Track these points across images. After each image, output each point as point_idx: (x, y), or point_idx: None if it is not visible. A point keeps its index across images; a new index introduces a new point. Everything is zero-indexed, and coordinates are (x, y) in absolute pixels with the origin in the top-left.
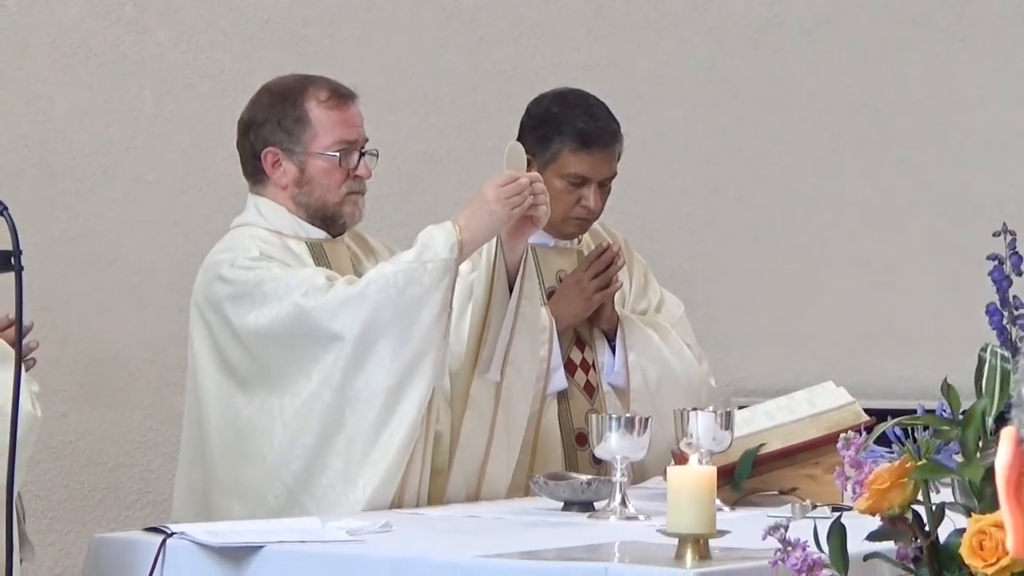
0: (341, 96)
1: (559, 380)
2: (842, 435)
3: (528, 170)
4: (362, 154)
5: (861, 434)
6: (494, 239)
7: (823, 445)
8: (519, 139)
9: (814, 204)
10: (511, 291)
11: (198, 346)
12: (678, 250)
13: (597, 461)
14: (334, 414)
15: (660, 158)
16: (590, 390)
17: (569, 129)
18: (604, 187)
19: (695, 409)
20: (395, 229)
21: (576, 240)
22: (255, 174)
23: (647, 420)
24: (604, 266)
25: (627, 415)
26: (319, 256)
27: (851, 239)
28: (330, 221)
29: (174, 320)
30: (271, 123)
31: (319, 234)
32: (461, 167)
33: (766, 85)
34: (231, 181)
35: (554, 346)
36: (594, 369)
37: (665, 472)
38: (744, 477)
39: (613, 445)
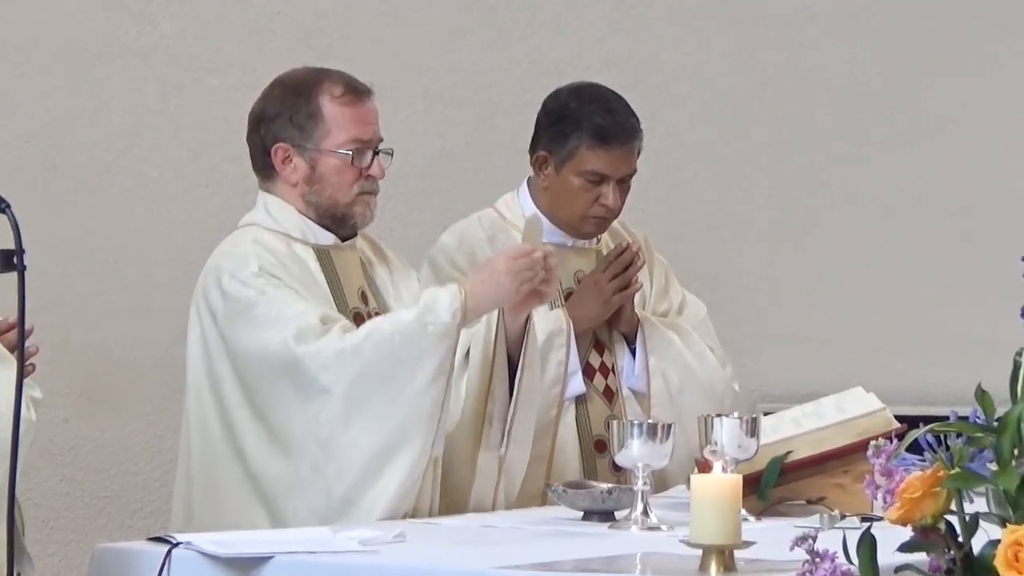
0: (356, 92)
1: (577, 385)
2: (872, 442)
3: (544, 169)
4: (376, 153)
5: (892, 441)
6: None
7: (852, 453)
8: (535, 136)
9: (842, 202)
10: (509, 358)
11: (192, 348)
12: (701, 250)
13: (617, 469)
14: (315, 467)
15: (683, 155)
16: (609, 395)
17: (586, 125)
18: (623, 185)
19: (719, 415)
20: (409, 228)
21: (595, 240)
22: (265, 170)
23: (670, 427)
24: (623, 267)
25: (649, 421)
26: (327, 264)
27: (880, 237)
28: (340, 221)
29: (179, 322)
30: (282, 118)
31: (328, 238)
32: (477, 164)
33: (792, 79)
34: (239, 180)
35: (572, 350)
36: (613, 373)
37: (688, 480)
38: (770, 486)
39: (635, 452)
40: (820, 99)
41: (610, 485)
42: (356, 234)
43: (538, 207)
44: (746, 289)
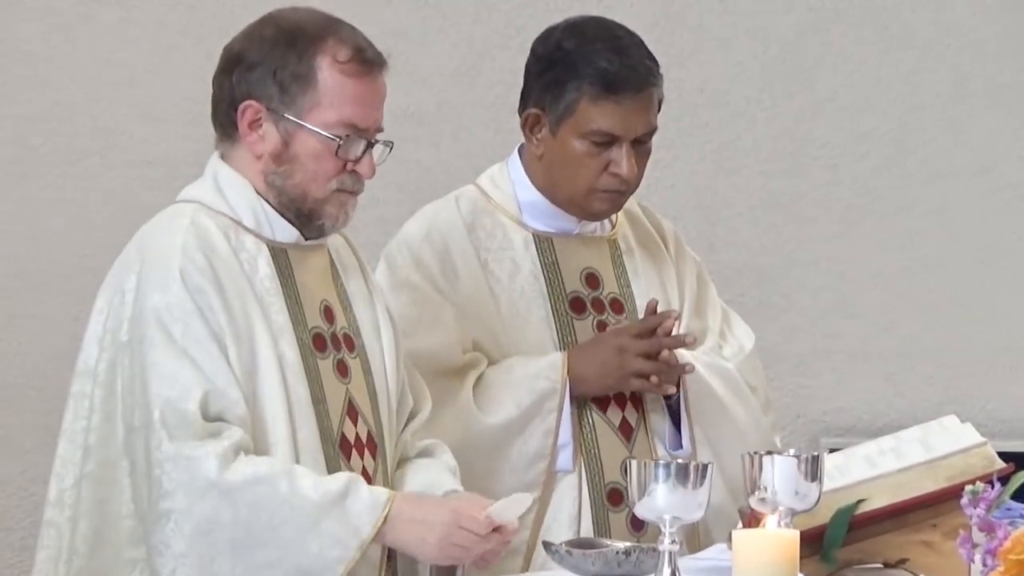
0: (365, 62)
1: (565, 460)
2: (967, 487)
3: (537, 132)
4: (370, 145)
5: (993, 486)
6: None
7: (943, 501)
8: (524, 90)
9: (930, 182)
10: None
11: (91, 335)
12: (749, 239)
13: (637, 526)
14: None
15: (722, 114)
16: (627, 431)
17: (588, 70)
18: (640, 147)
19: (770, 453)
20: (364, 212)
21: (608, 224)
22: (226, 127)
23: (706, 467)
24: (652, 329)
25: (679, 461)
26: (282, 267)
27: (980, 226)
28: (305, 218)
29: (61, 333)
30: (264, 68)
31: (288, 235)
32: (455, 126)
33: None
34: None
35: (564, 415)
36: (632, 404)
37: (730, 537)
38: (837, 545)
39: (660, 501)
40: (909, 29)
41: (628, 544)
42: (324, 234)
43: (532, 183)
44: (805, 289)
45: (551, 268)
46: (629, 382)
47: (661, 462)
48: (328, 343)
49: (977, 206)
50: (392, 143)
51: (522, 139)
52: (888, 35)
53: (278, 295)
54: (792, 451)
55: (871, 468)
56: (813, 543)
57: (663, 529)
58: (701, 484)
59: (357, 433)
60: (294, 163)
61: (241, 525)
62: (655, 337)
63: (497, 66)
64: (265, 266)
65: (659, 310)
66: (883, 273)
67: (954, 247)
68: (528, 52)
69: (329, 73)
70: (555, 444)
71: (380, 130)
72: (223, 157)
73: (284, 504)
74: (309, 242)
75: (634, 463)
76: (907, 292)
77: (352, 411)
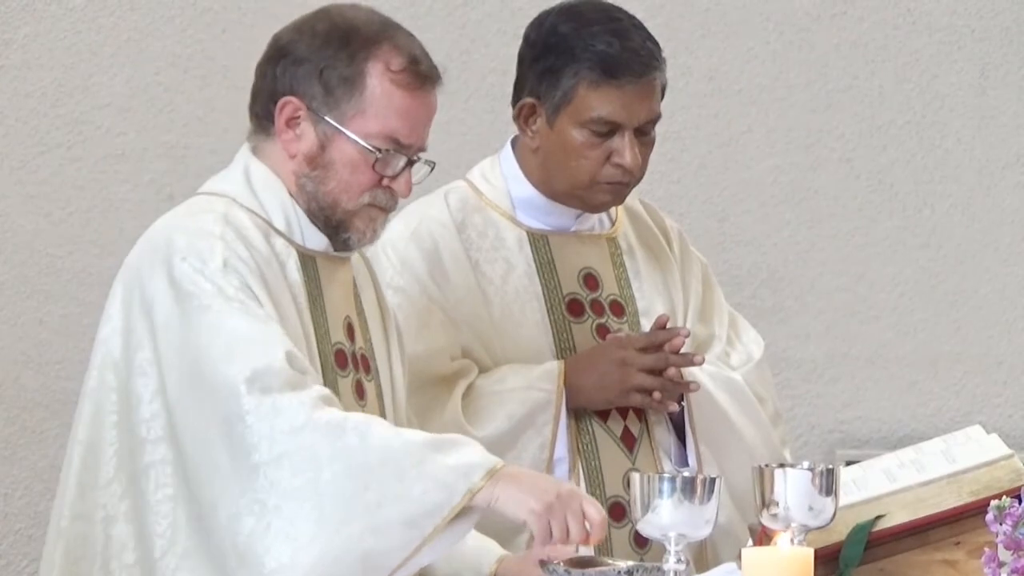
0: (419, 75)
1: (560, 475)
2: (993, 503)
3: (532, 123)
4: (410, 163)
5: (1020, 501)
6: None
7: (967, 517)
8: (518, 78)
9: (952, 177)
10: None
11: (101, 347)
12: (760, 237)
13: (641, 542)
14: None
15: (731, 104)
16: (629, 441)
17: (586, 55)
18: (644, 137)
19: (782, 465)
20: None
21: (609, 220)
22: (262, 120)
23: (714, 481)
24: (658, 343)
25: (685, 474)
26: (311, 276)
27: (1006, 223)
28: (332, 230)
29: (22, 334)
30: (310, 65)
31: (319, 242)
32: (446, 116)
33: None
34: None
35: (560, 428)
36: (635, 414)
37: (739, 556)
38: (854, 564)
39: (665, 518)
40: (931, 14)
41: (631, 563)
42: (349, 249)
43: (527, 177)
44: (820, 290)
45: (547, 268)
46: (630, 397)
47: (666, 475)
48: (349, 361)
49: (1002, 202)
50: (434, 164)
51: (515, 130)
52: (909, 20)
53: (304, 305)
54: (806, 464)
55: (890, 482)
56: (828, 562)
57: (668, 547)
58: (708, 499)
59: None
60: (328, 169)
61: (340, 459)
62: (661, 352)
63: (491, 53)
64: (294, 272)
65: (664, 315)
66: (903, 273)
67: (978, 245)
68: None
69: (379, 80)
70: (550, 459)
71: (423, 149)
72: (255, 151)
73: (388, 442)
74: (337, 253)
75: (637, 476)
76: (929, 294)
77: None
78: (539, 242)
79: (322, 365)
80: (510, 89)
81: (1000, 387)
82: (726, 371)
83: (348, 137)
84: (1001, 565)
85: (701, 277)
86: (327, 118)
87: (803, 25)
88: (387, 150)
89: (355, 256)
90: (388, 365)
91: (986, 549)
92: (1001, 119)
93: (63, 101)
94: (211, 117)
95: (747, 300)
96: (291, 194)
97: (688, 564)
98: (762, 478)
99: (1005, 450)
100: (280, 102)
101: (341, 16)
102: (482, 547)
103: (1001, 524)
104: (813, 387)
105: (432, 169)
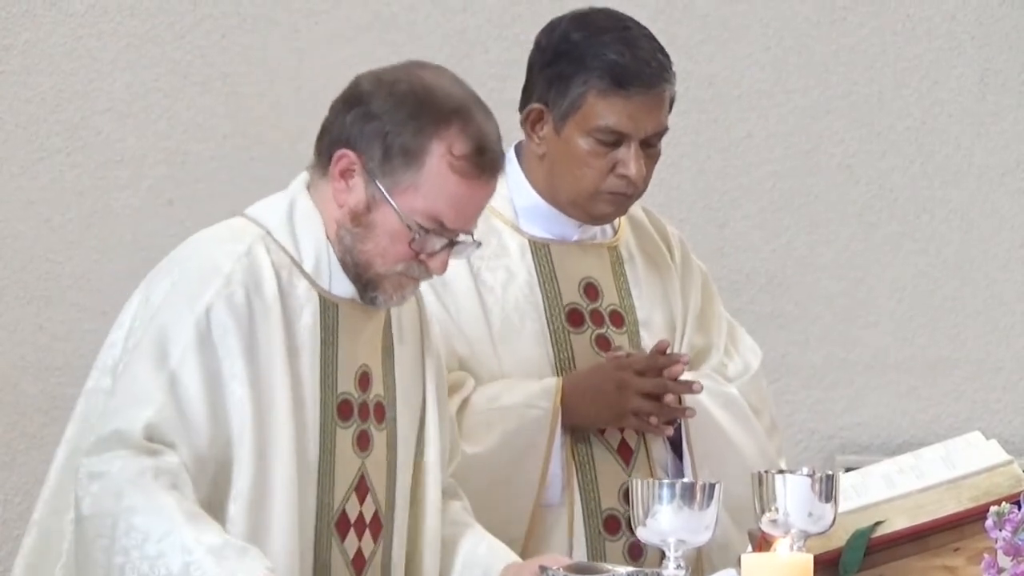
0: (479, 166)
1: (553, 494)
2: (993, 508)
3: (539, 129)
4: (452, 244)
5: (1020, 507)
6: None
7: (966, 523)
8: (526, 84)
9: (952, 183)
10: None
11: (113, 332)
12: (759, 243)
13: (636, 554)
14: None
15: (732, 110)
16: (626, 454)
17: (596, 64)
18: (650, 148)
19: (782, 472)
20: None
21: (611, 230)
22: (322, 157)
23: (714, 487)
24: (658, 368)
25: (685, 480)
26: (328, 325)
27: (1005, 229)
28: (362, 287)
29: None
30: (378, 124)
31: (346, 290)
32: None
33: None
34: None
35: (554, 448)
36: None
37: (739, 562)
38: (853, 570)
39: (665, 523)
40: (931, 20)
41: (631, 569)
42: (375, 306)
43: (531, 185)
44: (820, 295)
45: (548, 277)
46: (626, 419)
47: (666, 481)
48: (355, 412)
49: (1002, 208)
50: (480, 244)
51: (518, 138)
52: (908, 26)
53: (314, 352)
54: (805, 470)
55: (890, 488)
56: (828, 568)
57: (668, 553)
58: (708, 505)
59: (361, 512)
60: (370, 230)
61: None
62: (660, 379)
63: (491, 58)
64: (309, 317)
65: (665, 340)
66: (902, 279)
67: (978, 251)
68: (523, 42)
69: (438, 162)
70: (543, 476)
71: (470, 232)
72: (309, 185)
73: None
74: (365, 303)
75: (637, 482)
76: (928, 300)
77: (362, 487)
78: (541, 251)
79: (322, 414)
80: (509, 94)
81: (999, 393)
82: (723, 385)
83: (394, 208)
84: (1001, 571)
85: (700, 286)
86: (379, 183)
87: (803, 31)
88: (428, 230)
89: (410, 304)
90: (409, 412)
91: (986, 555)
92: (1000, 125)
93: (63, 107)
94: (210, 123)
95: (746, 305)
96: (329, 238)
97: (687, 570)
98: (762, 484)
99: (1004, 456)
100: (339, 152)
101: (421, 82)
102: (494, 552)
103: (1001, 530)
104: (812, 393)
105: (478, 247)
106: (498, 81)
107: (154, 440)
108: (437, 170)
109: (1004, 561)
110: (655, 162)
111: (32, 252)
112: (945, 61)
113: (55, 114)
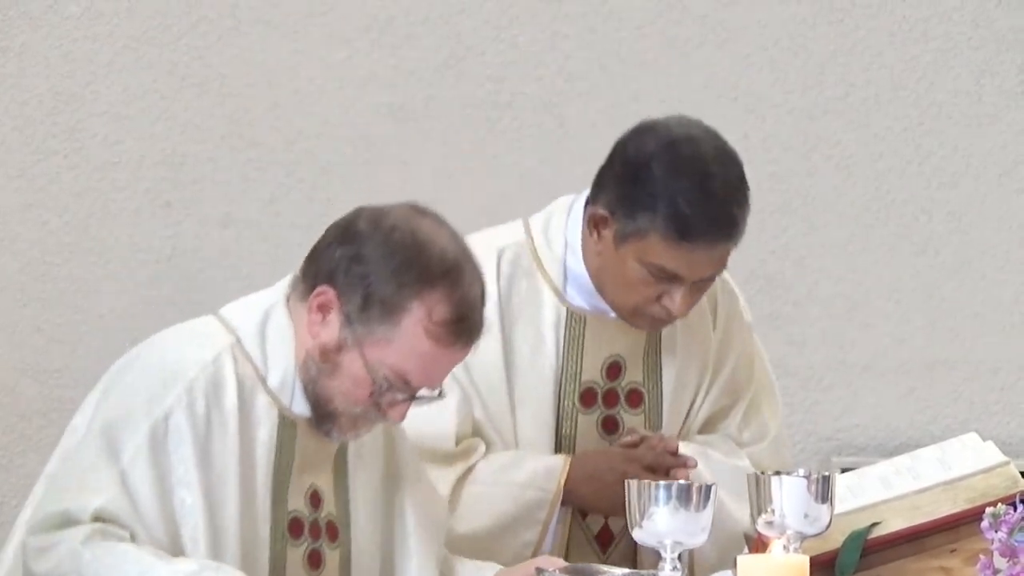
0: (455, 334)
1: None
2: (989, 510)
3: (600, 231)
4: (411, 398)
5: (1016, 508)
6: None
7: (962, 524)
8: (600, 179)
9: (949, 184)
10: None
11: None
12: (756, 244)
13: (630, 562)
14: None
15: (730, 109)
16: (606, 539)
17: (667, 210)
18: (702, 282)
19: (778, 473)
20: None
21: None
22: (307, 277)
23: (709, 489)
24: (664, 468)
25: (681, 481)
26: (284, 443)
27: (1002, 231)
28: (321, 419)
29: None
30: (364, 270)
31: (304, 411)
32: (443, 125)
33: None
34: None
35: (548, 533)
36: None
37: (735, 564)
38: (849, 571)
39: (661, 525)
40: (928, 21)
41: (628, 571)
42: (328, 437)
43: (584, 259)
44: (817, 297)
45: (575, 351)
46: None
47: (662, 483)
48: (306, 530)
49: (999, 209)
50: (443, 393)
51: (517, 139)
52: (905, 28)
53: (267, 467)
54: (802, 471)
55: (886, 489)
56: (824, 569)
57: (664, 555)
58: (704, 506)
59: None
60: (336, 368)
61: None
62: (667, 479)
63: (486, 60)
64: (266, 433)
65: (675, 441)
66: (899, 281)
67: (975, 253)
68: (519, 44)
69: (414, 323)
70: (537, 551)
71: (434, 390)
72: (287, 298)
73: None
74: (319, 432)
75: (634, 484)
76: (925, 301)
77: None
78: (576, 322)
79: (272, 531)
80: (505, 97)
81: (996, 394)
82: (732, 458)
83: (363, 357)
84: (997, 572)
85: (739, 352)
86: (356, 327)
87: (800, 32)
88: (392, 384)
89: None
90: (369, 531)
91: (982, 556)
92: (997, 126)
93: (60, 109)
94: (208, 125)
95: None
96: (297, 360)
97: (683, 572)
98: (758, 485)
99: (1001, 457)
100: (320, 288)
101: (416, 235)
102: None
103: (997, 531)
104: (810, 394)
105: (440, 396)
106: (494, 83)
107: (106, 522)
108: (412, 331)
109: (1000, 562)
110: (703, 294)
111: (30, 254)
112: (942, 62)
113: (52, 117)
